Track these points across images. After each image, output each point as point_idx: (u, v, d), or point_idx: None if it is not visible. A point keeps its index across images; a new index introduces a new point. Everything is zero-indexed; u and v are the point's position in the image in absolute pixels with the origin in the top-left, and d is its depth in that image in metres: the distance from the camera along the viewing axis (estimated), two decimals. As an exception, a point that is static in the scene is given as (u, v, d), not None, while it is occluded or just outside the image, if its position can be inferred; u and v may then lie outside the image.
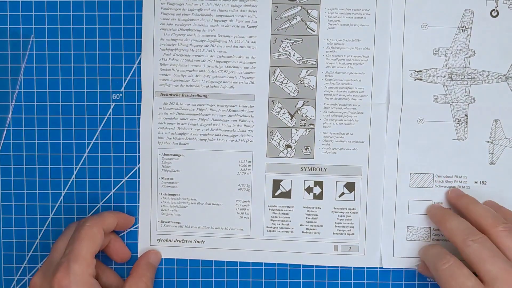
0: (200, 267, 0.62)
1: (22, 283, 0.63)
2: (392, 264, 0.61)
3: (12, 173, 0.62)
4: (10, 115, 0.61)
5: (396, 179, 0.61)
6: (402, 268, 0.61)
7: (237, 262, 0.62)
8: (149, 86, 0.61)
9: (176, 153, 0.62)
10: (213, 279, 0.62)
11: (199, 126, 0.61)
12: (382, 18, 0.60)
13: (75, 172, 0.62)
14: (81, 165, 0.61)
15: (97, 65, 0.61)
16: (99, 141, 0.61)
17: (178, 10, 0.60)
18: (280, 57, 0.60)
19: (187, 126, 0.61)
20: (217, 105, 0.61)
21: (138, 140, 0.61)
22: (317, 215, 0.62)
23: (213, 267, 0.62)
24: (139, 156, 0.61)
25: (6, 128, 0.61)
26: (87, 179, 0.62)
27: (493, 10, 0.58)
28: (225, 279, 0.62)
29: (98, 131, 0.61)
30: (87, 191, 0.62)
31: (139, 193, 0.62)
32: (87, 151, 0.61)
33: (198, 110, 0.61)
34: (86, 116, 0.61)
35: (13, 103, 0.61)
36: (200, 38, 0.60)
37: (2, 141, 0.61)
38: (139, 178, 0.62)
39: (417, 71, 0.57)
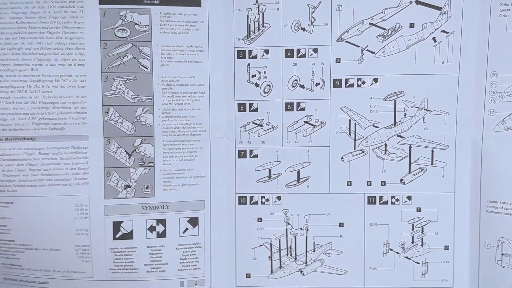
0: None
1: None
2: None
3: None
4: None
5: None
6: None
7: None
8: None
9: (5, 200, 0.53)
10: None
11: (28, 171, 0.52)
12: (215, 54, 0.52)
13: None
14: None
15: None
16: None
17: (-5, 49, 0.50)
18: (113, 95, 0.52)
19: (14, 172, 0.52)
20: (47, 148, 0.52)
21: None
22: (161, 253, 0.55)
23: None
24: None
25: None
26: None
27: None
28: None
29: None
30: None
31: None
32: None
33: (25, 154, 0.52)
34: None
35: None
36: (22, 79, 0.50)
37: None
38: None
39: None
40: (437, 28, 0.57)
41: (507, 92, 0.57)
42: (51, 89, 0.56)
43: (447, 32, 0.57)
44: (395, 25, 0.58)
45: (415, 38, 0.58)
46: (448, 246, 0.60)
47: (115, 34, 0.56)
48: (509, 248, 0.58)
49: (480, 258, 0.59)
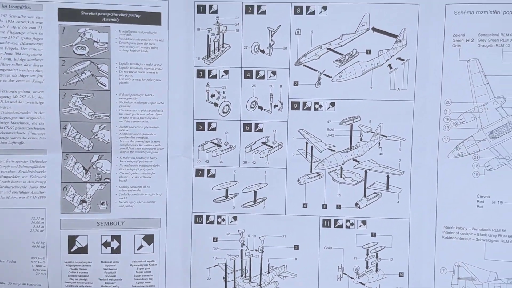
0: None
1: None
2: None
3: None
4: None
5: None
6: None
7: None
8: None
9: (-37, 211, 0.53)
10: None
11: (-14, 184, 0.52)
12: (174, 73, 0.52)
13: None
14: None
15: None
16: None
17: (-47, 63, 0.51)
18: (70, 112, 0.52)
19: (-27, 184, 0.52)
20: (6, 161, 0.52)
21: None
22: (116, 269, 0.55)
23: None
24: None
25: None
26: None
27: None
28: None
29: None
30: None
31: None
32: None
33: (-16, 167, 0.51)
34: None
35: None
36: (-19, 93, 0.51)
37: None
38: None
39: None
40: (393, 55, 0.57)
41: (461, 119, 0.56)
42: (10, 104, 0.56)
43: (403, 60, 0.57)
44: (352, 51, 0.57)
45: (371, 64, 0.57)
46: (403, 273, 0.59)
47: (74, 51, 0.56)
48: (465, 272, 0.58)
49: (435, 284, 0.58)
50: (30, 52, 0.56)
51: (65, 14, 0.56)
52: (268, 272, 0.61)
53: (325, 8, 0.57)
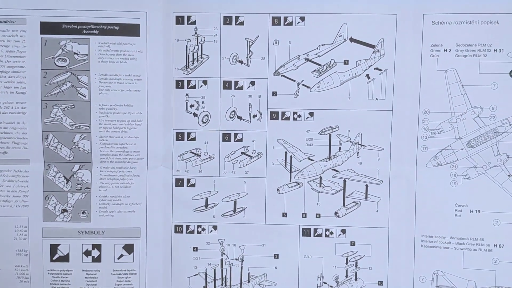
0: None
1: None
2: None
3: None
4: None
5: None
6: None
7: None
8: None
9: None
10: None
11: (-30, 193, 0.54)
12: (153, 84, 0.53)
13: None
14: None
15: None
16: None
17: None
18: (52, 122, 0.54)
19: (-43, 193, 0.54)
20: None
21: None
22: (97, 277, 0.57)
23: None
24: None
25: None
26: None
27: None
28: None
29: None
30: None
31: None
32: None
33: (-32, 176, 0.54)
34: None
35: None
36: (-36, 105, 0.53)
37: None
38: None
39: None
40: (371, 65, 0.58)
41: (439, 129, 0.57)
42: (-7, 115, 0.58)
43: (381, 70, 0.58)
44: (330, 61, 0.58)
45: (349, 75, 0.58)
46: (382, 281, 0.60)
47: (55, 63, 0.58)
48: (444, 280, 0.59)
49: (414, 293, 0.59)
50: (14, 65, 0.58)
51: (47, 28, 0.58)
52: (248, 281, 0.62)
53: (302, 19, 0.58)
